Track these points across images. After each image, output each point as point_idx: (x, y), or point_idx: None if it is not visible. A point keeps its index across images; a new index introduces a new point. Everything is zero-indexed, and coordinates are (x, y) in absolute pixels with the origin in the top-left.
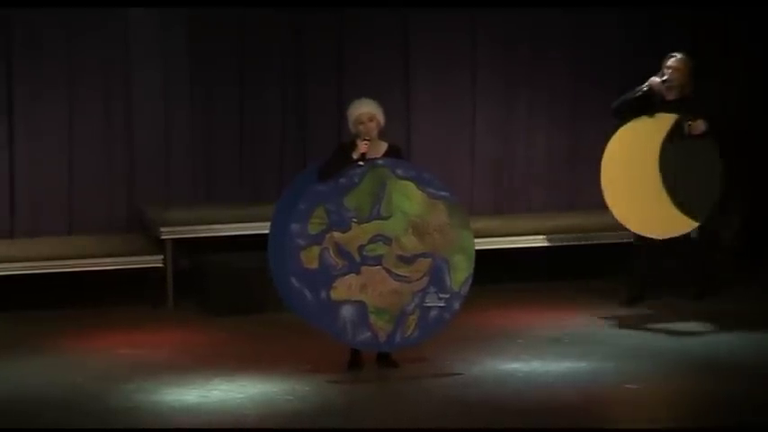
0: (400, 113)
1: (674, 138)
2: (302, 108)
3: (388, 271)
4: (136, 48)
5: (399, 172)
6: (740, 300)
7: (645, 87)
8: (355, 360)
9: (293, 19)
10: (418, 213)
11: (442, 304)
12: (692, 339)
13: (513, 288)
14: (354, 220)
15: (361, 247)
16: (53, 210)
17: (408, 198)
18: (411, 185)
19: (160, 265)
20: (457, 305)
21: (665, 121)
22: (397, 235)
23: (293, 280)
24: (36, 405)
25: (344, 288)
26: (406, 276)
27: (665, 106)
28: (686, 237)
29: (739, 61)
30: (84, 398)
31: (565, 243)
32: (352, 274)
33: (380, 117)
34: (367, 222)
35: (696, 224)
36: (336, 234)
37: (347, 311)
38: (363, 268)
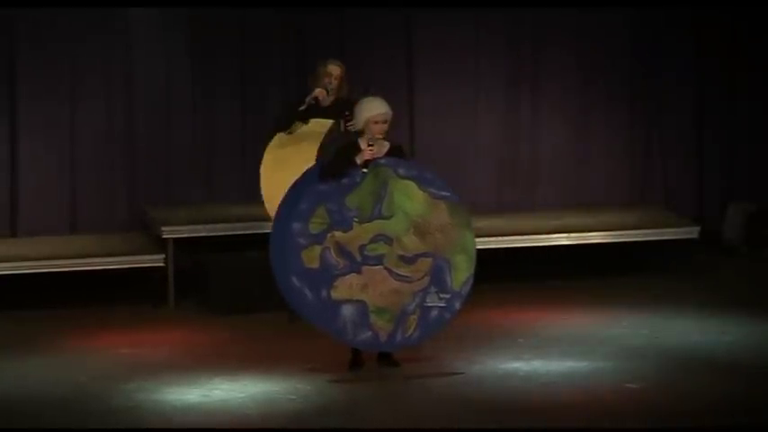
0: (402, 113)
1: (330, 139)
2: None
3: (389, 271)
4: (137, 48)
5: (401, 171)
6: (740, 299)
7: (311, 100)
8: (356, 359)
9: (293, 19)
10: (420, 213)
11: (442, 304)
12: (692, 339)
13: (513, 287)
14: (356, 219)
15: (362, 247)
16: (54, 209)
17: (410, 198)
18: (412, 185)
19: (161, 265)
20: (458, 305)
21: (321, 126)
22: (398, 235)
23: (294, 279)
24: (36, 405)
25: (345, 288)
26: (406, 276)
27: (323, 112)
28: None
29: (743, 60)
30: (84, 397)
31: (566, 242)
32: (353, 274)
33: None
34: (368, 222)
35: None
36: (338, 234)
37: (348, 311)
38: (364, 268)
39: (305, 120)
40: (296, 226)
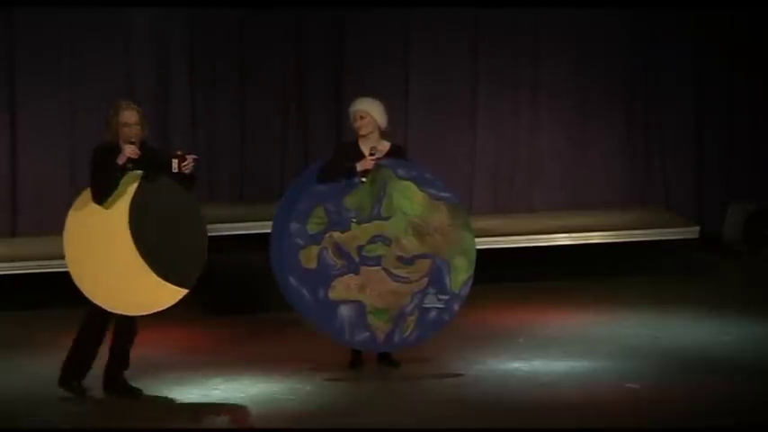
0: (401, 113)
1: (143, 193)
2: (302, 108)
3: (388, 271)
4: (136, 48)
5: (400, 172)
6: (740, 299)
7: (124, 162)
8: (356, 359)
9: (293, 19)
10: (419, 214)
11: (441, 305)
12: (692, 339)
13: (513, 287)
14: (354, 220)
15: (359, 248)
16: (54, 209)
17: (409, 199)
18: (412, 186)
19: None
20: (456, 307)
21: (130, 179)
22: (397, 236)
23: (291, 279)
24: (36, 404)
25: (343, 288)
26: (405, 277)
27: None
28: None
29: (743, 60)
30: (84, 397)
31: (566, 242)
32: (351, 275)
33: (377, 116)
34: (367, 223)
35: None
36: (336, 234)
37: (345, 311)
38: (362, 268)
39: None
40: (294, 226)
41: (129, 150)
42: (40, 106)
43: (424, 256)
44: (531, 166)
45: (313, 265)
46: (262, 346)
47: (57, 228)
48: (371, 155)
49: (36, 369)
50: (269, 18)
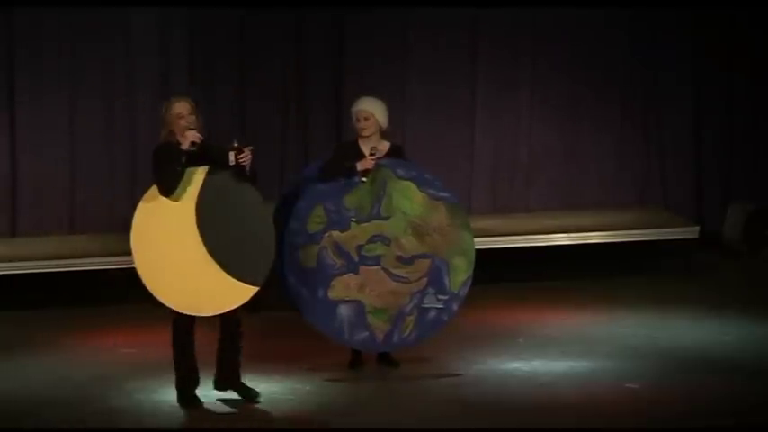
0: (400, 113)
1: (208, 190)
2: (302, 108)
3: (387, 271)
4: (137, 47)
5: (400, 172)
6: (740, 299)
7: (188, 148)
8: (356, 359)
9: (293, 19)
10: (418, 214)
11: (440, 306)
12: (691, 339)
13: (513, 288)
14: (354, 219)
15: (359, 247)
16: (54, 209)
17: (408, 199)
18: (411, 186)
19: None
20: (455, 307)
21: (194, 175)
22: (396, 235)
23: (291, 278)
24: (36, 404)
25: (342, 287)
26: (404, 277)
27: (194, 156)
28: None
29: (742, 60)
30: (84, 397)
31: (565, 243)
32: (351, 274)
33: (379, 116)
34: (366, 222)
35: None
36: (335, 233)
37: (344, 311)
38: (362, 268)
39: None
40: (293, 225)
41: (192, 134)
42: (39, 106)
43: (423, 256)
44: (530, 167)
45: (312, 264)
46: (262, 345)
47: (57, 228)
48: (372, 155)
49: (36, 369)
50: (269, 18)
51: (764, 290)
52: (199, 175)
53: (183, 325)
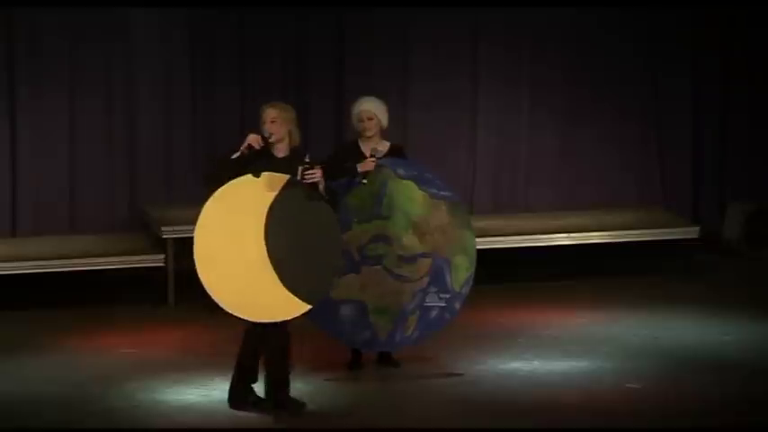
0: (401, 112)
1: (284, 199)
2: (302, 108)
3: (389, 271)
4: (137, 48)
5: (401, 172)
6: (740, 299)
7: (243, 149)
8: (356, 359)
9: (293, 19)
10: (419, 213)
11: (442, 304)
12: (692, 339)
13: (513, 287)
14: (355, 219)
15: (360, 247)
16: (55, 209)
17: (409, 198)
18: (412, 185)
19: (161, 265)
20: (457, 305)
21: (273, 181)
22: (397, 235)
23: None
24: (37, 404)
25: (344, 287)
26: (406, 276)
27: (276, 164)
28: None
29: (742, 60)
30: (85, 397)
31: (566, 242)
32: (352, 274)
33: (382, 117)
34: (367, 222)
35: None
36: None
37: (347, 311)
38: (363, 268)
39: (241, 171)
40: None
41: (252, 138)
42: (39, 106)
43: (424, 255)
44: (531, 166)
45: None
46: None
47: (57, 228)
48: (372, 156)
49: (36, 369)
50: (269, 18)
51: (764, 290)
52: (278, 183)
53: (255, 334)
